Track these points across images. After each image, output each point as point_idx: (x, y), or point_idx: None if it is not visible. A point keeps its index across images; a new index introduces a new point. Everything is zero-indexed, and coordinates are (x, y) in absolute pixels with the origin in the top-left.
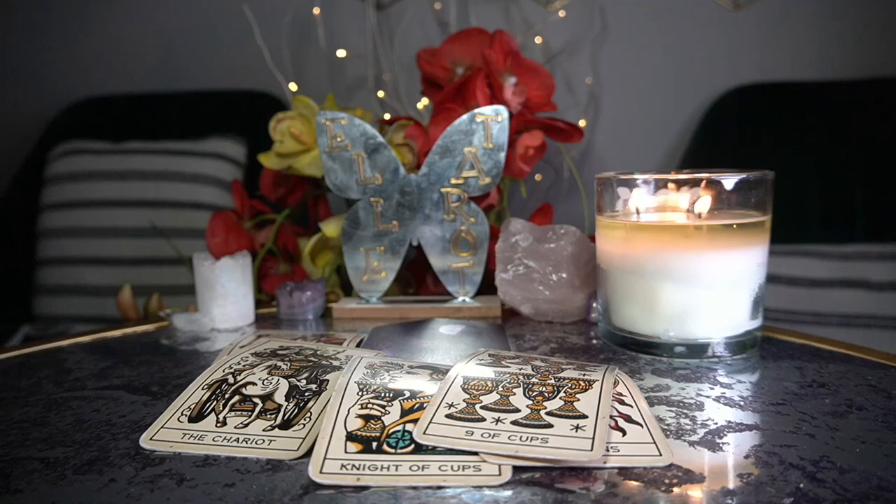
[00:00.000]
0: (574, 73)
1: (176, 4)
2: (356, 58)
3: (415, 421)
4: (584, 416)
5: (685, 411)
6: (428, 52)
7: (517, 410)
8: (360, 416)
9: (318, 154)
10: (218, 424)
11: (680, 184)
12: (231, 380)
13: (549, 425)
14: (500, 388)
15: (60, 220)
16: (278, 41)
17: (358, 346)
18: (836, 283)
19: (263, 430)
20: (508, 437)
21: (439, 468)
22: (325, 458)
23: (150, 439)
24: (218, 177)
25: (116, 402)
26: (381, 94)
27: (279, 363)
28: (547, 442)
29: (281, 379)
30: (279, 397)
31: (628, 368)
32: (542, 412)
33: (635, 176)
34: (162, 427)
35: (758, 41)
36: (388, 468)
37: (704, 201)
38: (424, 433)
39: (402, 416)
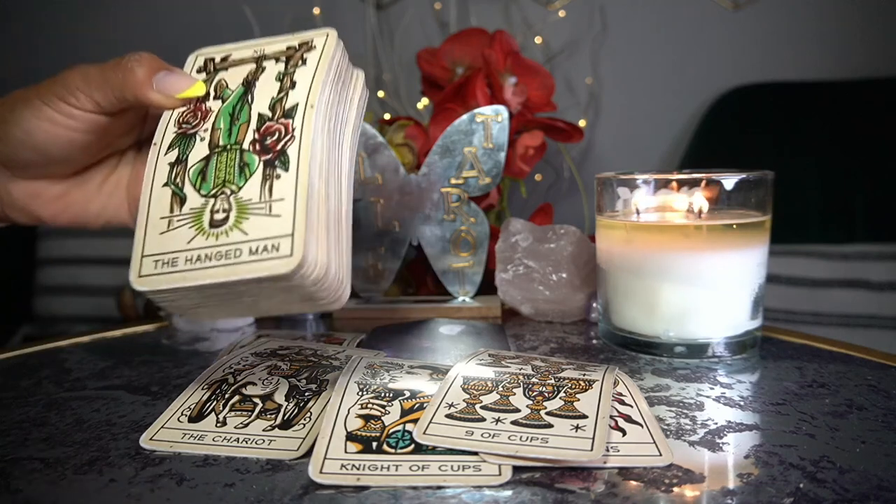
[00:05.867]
0: (574, 73)
1: (176, 4)
2: (356, 58)
3: (415, 421)
4: (584, 416)
5: (685, 411)
6: (428, 52)
7: (517, 410)
8: (360, 416)
9: None
10: (218, 424)
11: (680, 184)
12: (231, 380)
13: (549, 425)
14: (500, 388)
15: None
16: None
17: (358, 346)
18: (836, 283)
19: (263, 430)
20: (508, 437)
21: (439, 468)
22: (325, 458)
23: (150, 439)
24: None
25: (116, 402)
26: (381, 94)
27: (279, 363)
28: (547, 442)
29: (281, 379)
30: (279, 397)
31: (628, 368)
32: (542, 412)
33: (635, 176)
34: (162, 427)
35: (758, 41)
36: (388, 468)
37: (699, 201)
38: (424, 433)
39: (402, 416)
